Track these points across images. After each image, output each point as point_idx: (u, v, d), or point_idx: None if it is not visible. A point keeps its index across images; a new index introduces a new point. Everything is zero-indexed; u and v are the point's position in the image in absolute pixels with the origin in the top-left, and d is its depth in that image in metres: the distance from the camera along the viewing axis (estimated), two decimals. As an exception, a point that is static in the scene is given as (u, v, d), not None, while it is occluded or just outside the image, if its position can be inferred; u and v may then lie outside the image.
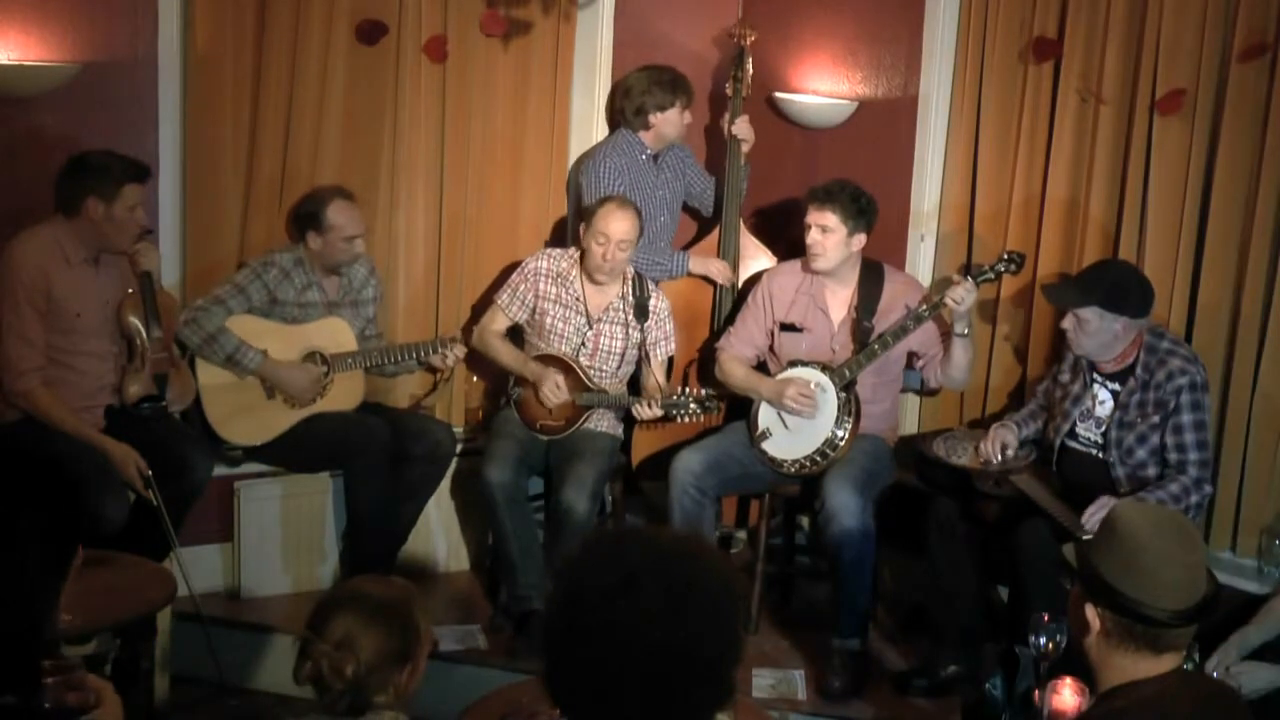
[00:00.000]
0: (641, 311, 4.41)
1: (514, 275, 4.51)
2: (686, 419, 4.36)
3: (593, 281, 4.41)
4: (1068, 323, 3.92)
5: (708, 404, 4.31)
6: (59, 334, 3.93)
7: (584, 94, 4.99)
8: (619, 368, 4.46)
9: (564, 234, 4.95)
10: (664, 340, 4.51)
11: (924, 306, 4.21)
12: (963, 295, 4.12)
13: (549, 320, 4.44)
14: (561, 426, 4.41)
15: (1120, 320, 3.85)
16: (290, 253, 4.39)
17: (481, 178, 4.86)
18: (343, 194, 4.36)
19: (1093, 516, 3.76)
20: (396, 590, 2.46)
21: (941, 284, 4.74)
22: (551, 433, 4.42)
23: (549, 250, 4.55)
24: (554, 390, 4.34)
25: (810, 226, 4.28)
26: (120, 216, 3.90)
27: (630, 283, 4.44)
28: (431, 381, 4.85)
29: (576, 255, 4.46)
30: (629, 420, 4.70)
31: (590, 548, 1.71)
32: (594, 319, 4.43)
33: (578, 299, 4.43)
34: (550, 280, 4.45)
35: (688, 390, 4.34)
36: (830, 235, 4.25)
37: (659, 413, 4.31)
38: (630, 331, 4.45)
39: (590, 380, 4.40)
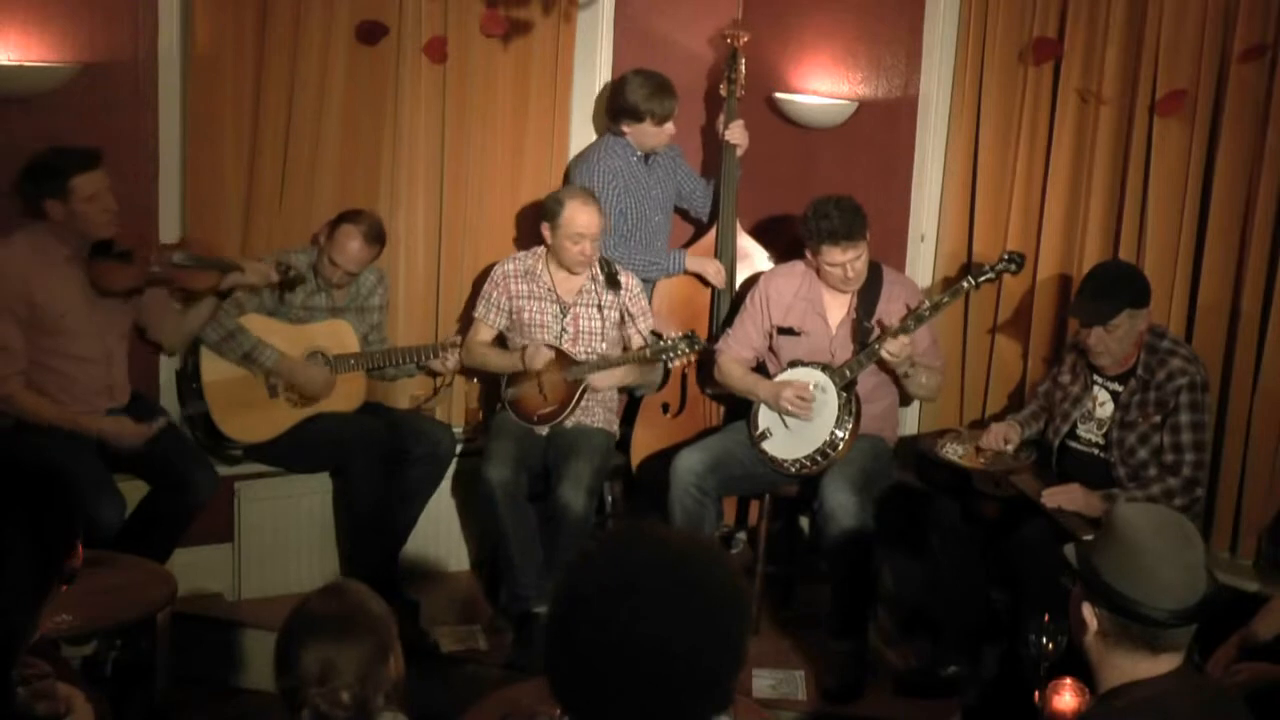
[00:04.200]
0: (613, 283, 4.43)
1: (485, 286, 4.54)
2: (678, 360, 4.39)
3: (565, 270, 4.44)
4: (1094, 338, 3.87)
5: (695, 341, 4.33)
6: (44, 335, 3.90)
7: (584, 94, 4.99)
8: (602, 345, 4.47)
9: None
10: (641, 316, 4.51)
11: (925, 306, 4.19)
12: (897, 349, 4.11)
13: (526, 315, 4.47)
14: (557, 410, 4.42)
15: (1142, 313, 3.86)
16: (305, 255, 4.41)
17: (481, 178, 4.86)
18: (370, 235, 4.33)
19: (1055, 496, 3.84)
20: (344, 595, 2.41)
21: (943, 284, 4.74)
22: (551, 419, 4.43)
23: (514, 255, 4.58)
24: (536, 351, 4.36)
25: (844, 265, 4.20)
26: (81, 209, 3.86)
27: (597, 264, 4.46)
28: (432, 384, 4.86)
29: (541, 251, 4.49)
30: (629, 419, 4.71)
31: (597, 547, 1.71)
32: (567, 305, 4.46)
33: (549, 289, 4.46)
34: (519, 279, 4.48)
35: (673, 334, 4.38)
36: (862, 258, 4.24)
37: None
38: (606, 311, 4.46)
39: (576, 359, 4.43)
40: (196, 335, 4.25)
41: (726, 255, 4.81)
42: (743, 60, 4.77)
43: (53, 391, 3.93)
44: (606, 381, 4.40)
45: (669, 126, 4.70)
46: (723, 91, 4.80)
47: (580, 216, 4.32)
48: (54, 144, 3.92)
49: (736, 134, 4.76)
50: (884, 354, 4.12)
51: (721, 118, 4.80)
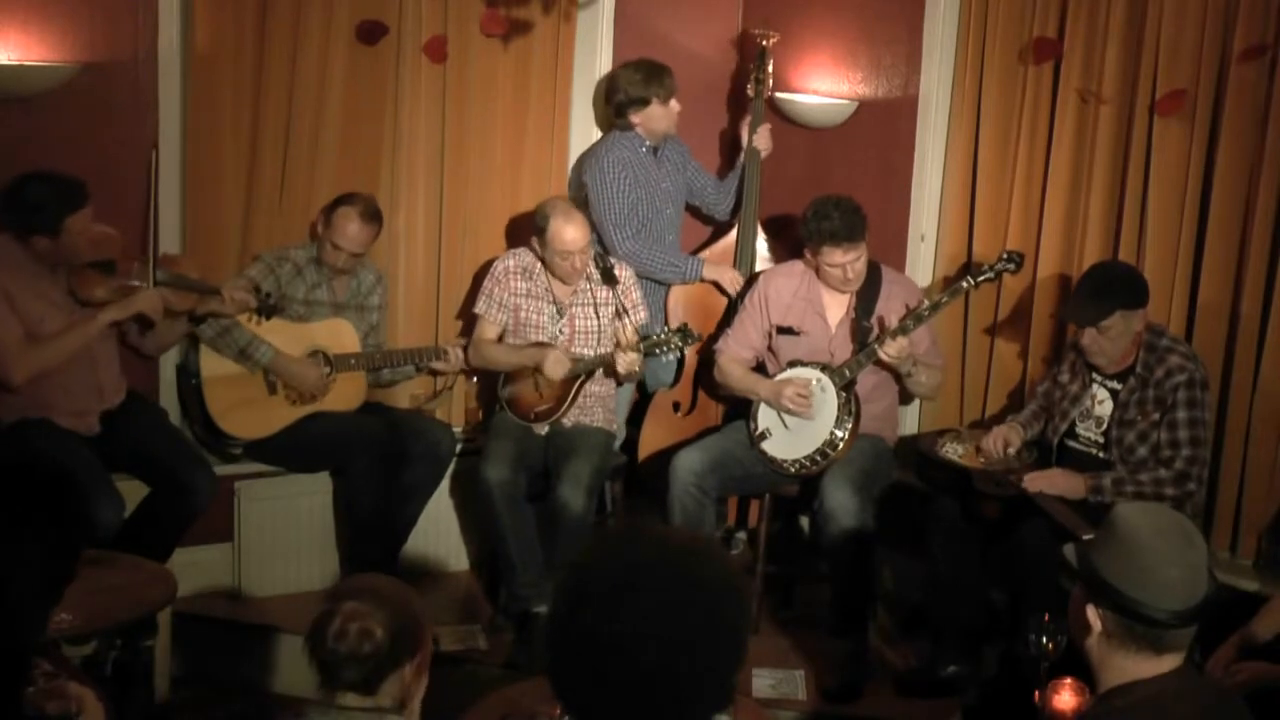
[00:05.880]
0: (608, 277, 4.43)
1: (486, 282, 4.53)
2: (673, 354, 4.41)
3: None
4: (1087, 338, 3.88)
5: (689, 335, 4.34)
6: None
7: (584, 94, 4.99)
8: (599, 345, 4.47)
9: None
10: (632, 309, 4.50)
11: (924, 306, 4.19)
12: (896, 351, 4.11)
13: (524, 314, 4.47)
14: (554, 407, 4.42)
15: (1137, 314, 3.85)
16: (305, 250, 4.41)
17: (481, 178, 4.86)
18: (367, 214, 4.34)
19: (1036, 480, 3.87)
20: (411, 596, 2.49)
21: (943, 284, 4.74)
22: (548, 417, 4.42)
23: (513, 250, 4.57)
24: (558, 362, 4.34)
25: (844, 266, 4.21)
26: (70, 242, 3.84)
27: (592, 260, 4.45)
28: (433, 384, 4.86)
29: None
30: (637, 419, 4.70)
31: (598, 545, 1.72)
32: (564, 305, 4.45)
33: (546, 289, 4.46)
34: (519, 276, 4.48)
35: (666, 328, 4.38)
36: (861, 259, 4.24)
37: (638, 355, 4.32)
38: (602, 309, 4.46)
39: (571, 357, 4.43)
40: (166, 349, 4.27)
41: (745, 260, 4.79)
42: (771, 61, 4.76)
43: (41, 392, 3.91)
44: (632, 359, 4.32)
45: (675, 104, 4.70)
46: (750, 92, 4.79)
47: (565, 233, 4.31)
48: (36, 169, 3.83)
49: (763, 139, 4.76)
50: (883, 355, 4.12)
51: (748, 119, 4.79)
